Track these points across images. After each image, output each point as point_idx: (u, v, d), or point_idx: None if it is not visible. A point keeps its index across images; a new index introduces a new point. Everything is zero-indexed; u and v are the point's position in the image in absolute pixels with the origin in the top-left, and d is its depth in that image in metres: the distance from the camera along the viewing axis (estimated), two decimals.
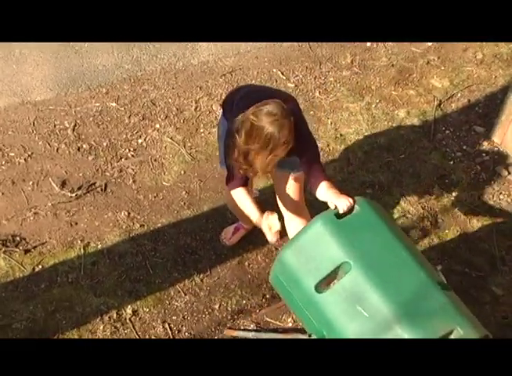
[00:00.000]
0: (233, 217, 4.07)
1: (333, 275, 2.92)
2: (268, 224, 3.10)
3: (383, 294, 2.84)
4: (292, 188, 3.48)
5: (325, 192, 3.09)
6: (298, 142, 3.04)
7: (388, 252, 2.92)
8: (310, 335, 3.13)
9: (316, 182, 3.14)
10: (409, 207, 4.19)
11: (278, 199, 3.59)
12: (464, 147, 4.58)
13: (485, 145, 4.61)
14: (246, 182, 3.23)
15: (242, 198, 3.23)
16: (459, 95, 4.90)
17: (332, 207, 3.02)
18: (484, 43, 5.22)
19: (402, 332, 2.77)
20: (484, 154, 4.55)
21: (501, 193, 4.33)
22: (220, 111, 3.54)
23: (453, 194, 4.30)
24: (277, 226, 3.09)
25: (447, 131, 4.67)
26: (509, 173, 4.43)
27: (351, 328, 2.88)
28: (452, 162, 4.49)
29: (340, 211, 2.99)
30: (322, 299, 2.92)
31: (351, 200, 3.00)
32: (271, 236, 3.13)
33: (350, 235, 2.93)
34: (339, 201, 3.00)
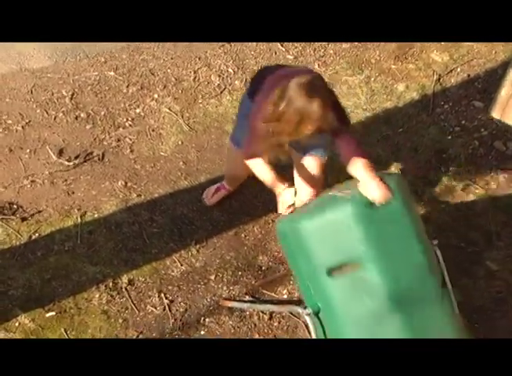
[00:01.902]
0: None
1: (347, 264, 2.92)
2: (282, 198, 3.12)
3: (391, 294, 2.88)
4: (313, 171, 3.46)
5: (362, 172, 2.99)
6: (331, 116, 2.96)
7: (407, 254, 2.93)
8: (305, 308, 3.15)
9: (352, 157, 3.05)
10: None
11: (297, 181, 3.56)
12: (463, 122, 4.57)
13: (484, 120, 4.60)
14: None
15: (260, 166, 3.19)
16: (458, 69, 4.88)
17: (366, 194, 2.93)
18: None
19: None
20: (482, 129, 4.54)
21: (498, 169, 4.33)
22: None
23: (451, 169, 4.30)
24: (290, 201, 3.11)
25: (446, 106, 4.66)
26: (507, 148, 4.43)
27: (350, 311, 2.93)
28: (450, 137, 4.48)
29: (375, 202, 2.91)
30: (329, 281, 2.92)
31: (389, 195, 2.90)
32: (282, 210, 3.14)
33: (377, 229, 2.89)
34: (376, 192, 2.91)
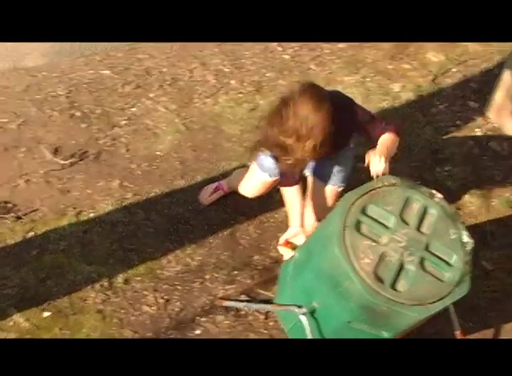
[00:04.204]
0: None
1: None
2: (294, 239, 3.41)
3: None
4: (330, 202, 3.57)
5: (378, 145, 3.14)
6: (346, 126, 3.12)
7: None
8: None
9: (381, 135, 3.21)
10: None
11: (309, 205, 3.63)
12: (458, 122, 4.58)
13: (479, 120, 4.61)
14: (298, 181, 3.36)
15: (292, 198, 3.38)
16: (454, 70, 4.89)
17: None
18: None
19: None
20: (477, 129, 4.55)
21: (494, 169, 4.34)
22: None
23: (446, 169, 4.31)
24: (291, 238, 3.44)
25: (441, 106, 4.67)
26: (502, 148, 4.44)
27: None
28: (445, 137, 4.49)
29: (372, 175, 3.02)
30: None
31: (382, 172, 3.02)
32: (281, 241, 3.45)
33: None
34: (374, 167, 3.03)
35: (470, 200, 4.16)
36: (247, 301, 3.66)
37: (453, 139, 4.48)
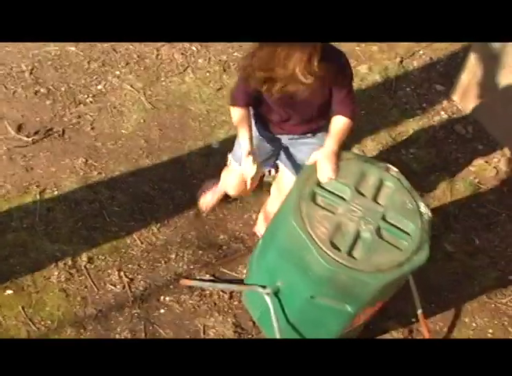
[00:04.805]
0: (192, 166, 4.07)
1: None
2: (245, 169, 3.10)
3: None
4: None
5: (328, 142, 3.02)
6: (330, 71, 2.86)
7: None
8: (265, 287, 3.17)
9: (338, 108, 3.08)
10: None
11: (274, 192, 3.60)
12: (424, 105, 4.61)
13: (445, 103, 4.64)
14: (251, 102, 3.14)
15: (241, 119, 3.13)
16: (421, 52, 4.91)
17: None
18: None
19: None
20: (443, 113, 4.59)
21: (458, 152, 4.39)
22: None
23: (411, 151, 4.34)
24: (251, 174, 3.07)
25: (408, 89, 4.69)
26: (467, 132, 4.48)
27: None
28: (411, 119, 4.52)
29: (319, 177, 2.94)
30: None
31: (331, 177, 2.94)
32: (246, 176, 3.11)
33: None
34: (322, 168, 2.94)
35: (435, 183, 4.20)
36: (212, 280, 3.68)
37: (419, 122, 4.51)
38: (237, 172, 3.39)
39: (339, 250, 2.76)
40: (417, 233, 2.86)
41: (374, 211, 2.87)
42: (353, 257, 2.77)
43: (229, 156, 3.51)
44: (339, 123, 3.07)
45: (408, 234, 2.86)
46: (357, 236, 2.81)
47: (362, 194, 2.92)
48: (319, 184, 2.92)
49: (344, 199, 2.90)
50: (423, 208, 2.93)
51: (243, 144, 3.14)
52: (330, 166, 2.93)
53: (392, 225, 2.87)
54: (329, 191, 2.91)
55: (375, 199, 2.92)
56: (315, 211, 2.84)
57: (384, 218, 2.87)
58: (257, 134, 3.30)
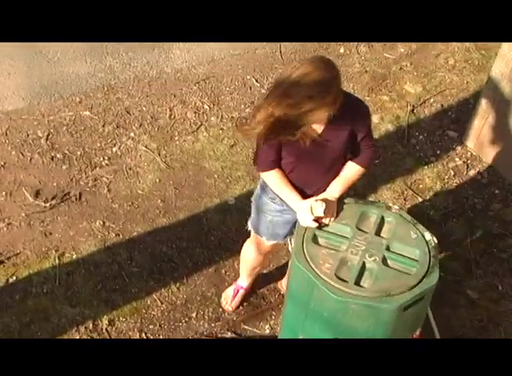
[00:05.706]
0: (209, 224, 4.07)
1: None
2: (312, 207, 2.91)
3: None
4: None
5: (332, 186, 3.03)
6: (345, 104, 2.75)
7: None
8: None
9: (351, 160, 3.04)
10: None
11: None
12: (438, 152, 4.62)
13: (458, 149, 4.64)
14: (277, 164, 2.98)
15: (277, 180, 3.00)
16: (431, 100, 4.94)
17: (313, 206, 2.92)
18: (455, 49, 5.26)
19: None
20: (457, 159, 4.58)
21: (475, 197, 4.36)
22: None
23: (427, 198, 4.33)
24: (321, 213, 2.90)
25: (420, 137, 4.70)
26: (482, 177, 4.47)
27: None
28: (425, 167, 4.52)
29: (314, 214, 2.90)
30: None
31: (324, 221, 2.92)
32: (309, 218, 2.90)
33: None
34: (316, 209, 2.90)
35: (453, 229, 4.17)
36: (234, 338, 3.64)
37: (434, 169, 4.51)
38: (256, 239, 3.39)
39: (346, 282, 2.74)
40: (425, 258, 2.83)
41: (378, 244, 2.86)
42: (361, 286, 2.74)
43: (250, 226, 3.40)
44: (350, 170, 3.06)
45: (415, 260, 2.83)
46: (363, 268, 2.79)
47: (364, 231, 2.91)
48: (319, 227, 2.92)
49: (346, 237, 2.89)
50: (428, 236, 2.91)
51: (292, 203, 3.01)
52: (330, 209, 2.92)
53: (398, 254, 2.84)
54: (331, 232, 2.91)
55: (378, 233, 2.91)
56: (319, 251, 2.84)
57: (388, 249, 2.85)
58: (281, 207, 3.16)
